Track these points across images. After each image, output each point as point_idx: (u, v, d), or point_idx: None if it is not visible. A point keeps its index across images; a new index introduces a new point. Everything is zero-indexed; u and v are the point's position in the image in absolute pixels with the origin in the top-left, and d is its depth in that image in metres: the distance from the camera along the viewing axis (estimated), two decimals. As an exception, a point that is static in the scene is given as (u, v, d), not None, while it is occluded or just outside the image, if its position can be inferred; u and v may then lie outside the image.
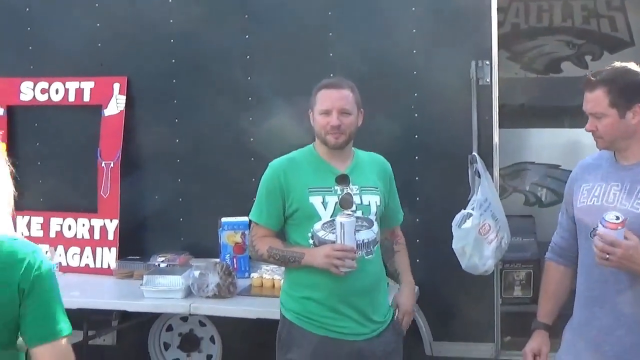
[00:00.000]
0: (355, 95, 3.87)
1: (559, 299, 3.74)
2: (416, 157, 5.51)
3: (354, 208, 3.76)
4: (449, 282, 5.40)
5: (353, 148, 3.96)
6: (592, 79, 3.36)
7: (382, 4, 5.61)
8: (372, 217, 3.84)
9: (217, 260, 5.35)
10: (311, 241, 3.79)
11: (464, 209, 5.03)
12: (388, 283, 4.12)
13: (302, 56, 5.66)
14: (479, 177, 5.17)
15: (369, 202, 3.83)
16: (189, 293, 5.13)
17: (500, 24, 5.54)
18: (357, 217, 3.74)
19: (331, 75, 5.12)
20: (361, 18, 5.61)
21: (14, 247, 2.51)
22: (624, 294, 3.28)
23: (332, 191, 3.78)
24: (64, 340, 2.56)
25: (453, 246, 4.99)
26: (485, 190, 5.10)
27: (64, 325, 2.57)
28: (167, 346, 5.93)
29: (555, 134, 7.33)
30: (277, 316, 4.04)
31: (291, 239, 3.88)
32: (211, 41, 5.83)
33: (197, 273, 5.12)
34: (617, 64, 3.46)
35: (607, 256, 3.15)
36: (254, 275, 5.27)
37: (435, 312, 5.49)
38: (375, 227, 3.86)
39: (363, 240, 3.78)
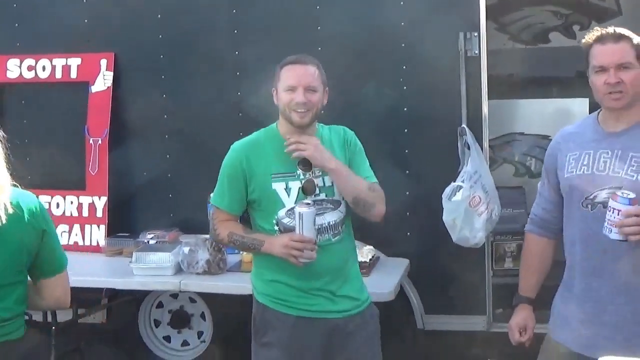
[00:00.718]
0: (321, 72, 3.76)
1: (541, 273, 3.71)
2: (405, 130, 5.50)
3: (317, 192, 3.70)
4: (440, 255, 5.39)
5: (316, 125, 3.83)
6: (616, 31, 3.31)
7: (369, -24, 5.57)
8: (338, 197, 3.75)
9: (207, 236, 5.31)
10: (276, 227, 3.72)
11: (454, 182, 5.03)
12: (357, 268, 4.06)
13: (289, 30, 5.62)
14: (469, 149, 5.16)
15: (332, 182, 3.74)
16: (178, 270, 5.11)
17: (488, -5, 5.51)
18: (322, 200, 3.70)
19: (319, 49, 5.12)
20: (349, -10, 5.59)
21: (25, 196, 2.97)
22: (623, 262, 3.25)
23: (295, 176, 3.70)
24: (66, 270, 3.11)
25: (443, 219, 4.99)
26: (475, 162, 5.10)
27: (65, 258, 3.12)
28: (157, 323, 5.93)
29: (544, 104, 7.31)
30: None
31: (257, 225, 3.81)
32: (198, 16, 5.80)
33: (186, 249, 5.10)
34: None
35: None
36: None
37: (426, 285, 5.50)
38: (342, 207, 3.77)
39: (329, 223, 3.72)
